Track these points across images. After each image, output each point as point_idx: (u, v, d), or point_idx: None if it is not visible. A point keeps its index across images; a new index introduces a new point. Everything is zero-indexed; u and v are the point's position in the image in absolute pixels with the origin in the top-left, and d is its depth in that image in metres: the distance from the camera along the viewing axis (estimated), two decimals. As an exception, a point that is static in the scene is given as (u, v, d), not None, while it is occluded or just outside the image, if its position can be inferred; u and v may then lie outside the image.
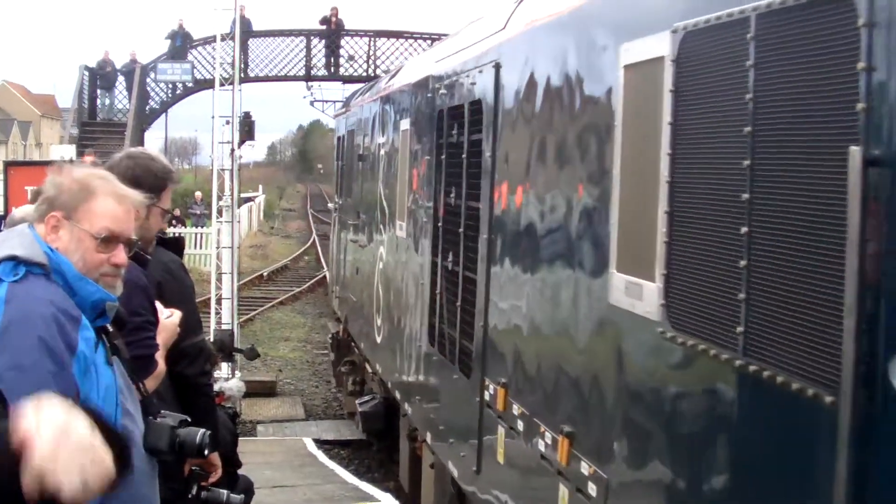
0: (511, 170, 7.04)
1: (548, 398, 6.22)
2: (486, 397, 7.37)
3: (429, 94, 9.64)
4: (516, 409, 6.71)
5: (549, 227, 6.26)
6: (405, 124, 10.95)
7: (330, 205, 25.34)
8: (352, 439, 17.00)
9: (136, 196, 3.92)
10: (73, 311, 3.58)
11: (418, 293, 9.83)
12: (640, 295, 4.96)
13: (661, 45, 4.80)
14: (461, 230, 8.17)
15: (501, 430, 7.03)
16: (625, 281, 5.13)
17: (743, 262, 4.04)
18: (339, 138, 18.62)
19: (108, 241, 3.74)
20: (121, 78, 37.32)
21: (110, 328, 3.84)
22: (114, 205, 3.78)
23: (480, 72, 7.78)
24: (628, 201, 5.18)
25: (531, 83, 6.71)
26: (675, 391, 4.70)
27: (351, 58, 37.67)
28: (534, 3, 7.17)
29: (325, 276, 35.71)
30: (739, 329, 4.06)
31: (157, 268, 5.14)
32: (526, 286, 6.61)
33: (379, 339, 12.36)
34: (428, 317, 9.28)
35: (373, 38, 37.97)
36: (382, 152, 12.72)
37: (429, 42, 34.33)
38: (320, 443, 16.94)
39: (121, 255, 3.79)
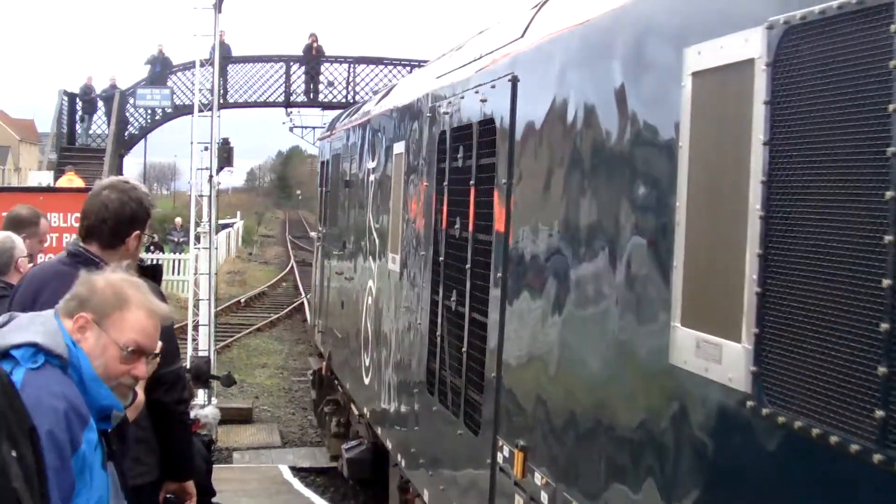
0: (532, 198, 5.96)
1: (582, 470, 5.12)
2: (500, 459, 6.25)
3: (428, 114, 8.56)
4: (539, 479, 5.61)
5: (584, 266, 5.18)
6: (399, 147, 9.84)
7: (312, 233, 24.41)
8: (328, 467, 16.43)
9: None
10: (83, 411, 3.55)
11: (414, 334, 8.72)
12: (717, 357, 3.88)
13: (749, 46, 3.74)
14: (468, 266, 7.07)
15: (520, 501, 5.92)
16: (694, 338, 4.04)
17: (884, 326, 2.98)
18: (323, 163, 17.39)
19: (134, 353, 3.72)
20: (100, 103, 36.67)
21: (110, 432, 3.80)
22: (145, 319, 3.75)
23: (493, 87, 6.71)
24: (699, 239, 4.10)
25: (558, 98, 5.64)
26: (771, 482, 3.62)
27: (330, 84, 37.51)
28: (559, 6, 6.10)
29: (302, 303, 35.80)
30: (879, 413, 3.00)
31: None
32: (553, 336, 5.51)
33: (367, 380, 11.20)
34: (426, 361, 8.16)
35: (352, 65, 37.76)
36: (372, 178, 11.56)
37: (408, 69, 33.99)
38: (296, 470, 16.59)
39: (141, 369, 3.77)
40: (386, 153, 10.64)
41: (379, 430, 10.39)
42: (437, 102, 8.22)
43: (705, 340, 3.97)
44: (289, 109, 37.57)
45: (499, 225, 6.41)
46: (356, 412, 12.61)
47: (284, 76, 37.22)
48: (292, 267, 49.71)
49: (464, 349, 7.07)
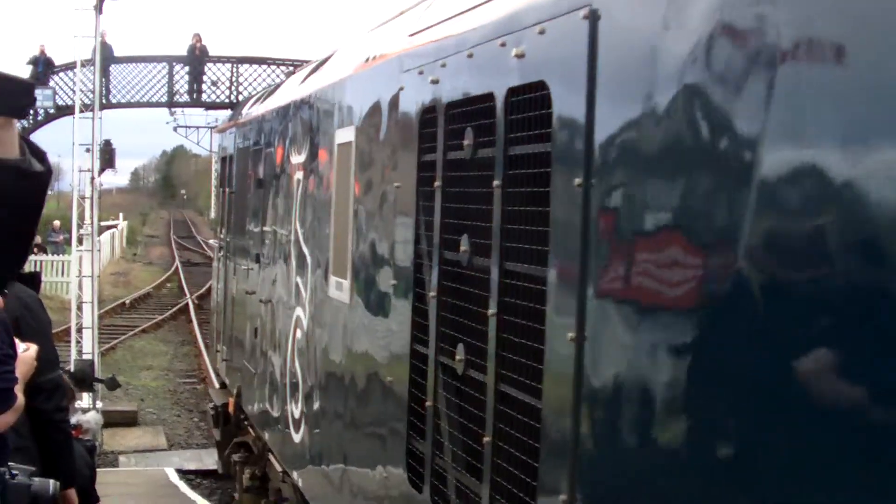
0: (641, 216, 3.27)
1: None
2: None
3: (400, 87, 5.78)
4: None
5: (772, 338, 2.52)
6: (346, 135, 7.00)
7: (212, 241, 21.85)
8: (214, 469, 15.53)
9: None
10: None
11: (380, 394, 5.95)
12: None
13: None
14: (493, 312, 4.34)
15: None
16: None
17: None
18: (225, 159, 14.15)
19: None
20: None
21: None
22: None
23: (542, 32, 4.00)
24: None
25: (713, 42, 2.96)
26: None
27: (214, 83, 36.10)
28: None
29: (188, 304, 35.38)
30: None
31: (15, 304, 4.77)
32: (705, 449, 2.83)
33: (297, 437, 8.29)
34: (406, 440, 5.39)
35: (235, 65, 36.38)
36: (300, 176, 8.63)
37: (291, 68, 32.24)
38: (182, 473, 16.26)
39: None
40: (323, 143, 7.76)
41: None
42: (418, 68, 5.45)
43: None
44: (172, 109, 36.00)
45: (564, 251, 3.70)
46: (278, 468, 9.66)
47: (168, 76, 35.53)
48: (177, 267, 48.34)
49: (487, 439, 4.34)
